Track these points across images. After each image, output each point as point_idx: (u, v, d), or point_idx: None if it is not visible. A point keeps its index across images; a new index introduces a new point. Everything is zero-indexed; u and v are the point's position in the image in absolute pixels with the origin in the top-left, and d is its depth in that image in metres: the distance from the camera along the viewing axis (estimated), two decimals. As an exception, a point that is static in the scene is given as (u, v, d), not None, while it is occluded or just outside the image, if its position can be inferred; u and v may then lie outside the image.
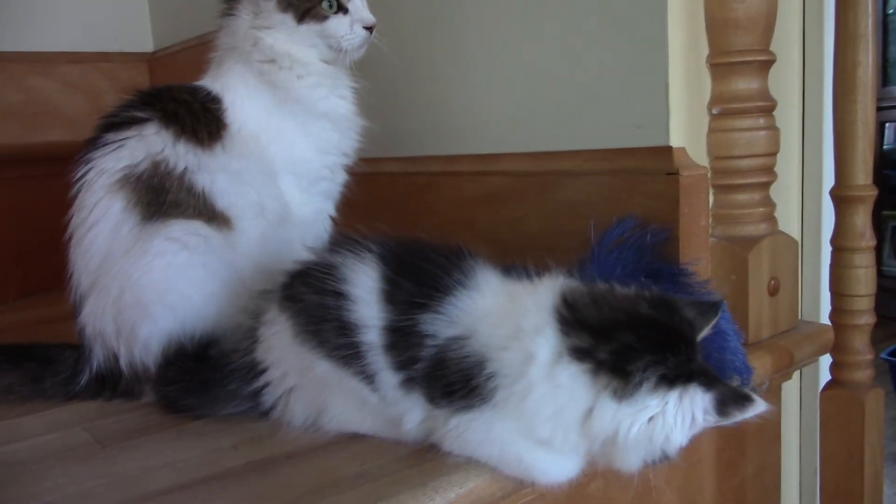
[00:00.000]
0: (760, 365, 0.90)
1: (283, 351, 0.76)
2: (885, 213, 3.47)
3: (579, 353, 0.62)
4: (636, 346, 0.61)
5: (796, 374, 1.11)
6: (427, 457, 0.69)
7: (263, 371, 0.78)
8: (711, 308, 0.68)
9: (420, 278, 0.71)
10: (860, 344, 0.87)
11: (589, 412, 0.61)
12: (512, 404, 0.64)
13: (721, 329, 0.83)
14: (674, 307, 0.66)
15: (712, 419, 0.60)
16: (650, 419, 0.60)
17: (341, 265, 0.74)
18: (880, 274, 3.59)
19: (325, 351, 0.72)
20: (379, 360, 0.71)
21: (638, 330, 0.63)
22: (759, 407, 0.61)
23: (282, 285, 0.78)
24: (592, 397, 0.61)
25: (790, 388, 1.12)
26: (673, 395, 0.60)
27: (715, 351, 0.80)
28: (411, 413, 0.70)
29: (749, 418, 0.62)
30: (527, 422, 0.64)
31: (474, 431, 0.66)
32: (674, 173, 0.91)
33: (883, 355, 2.51)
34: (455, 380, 0.66)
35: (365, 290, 0.72)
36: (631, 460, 0.62)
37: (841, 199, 0.87)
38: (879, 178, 3.55)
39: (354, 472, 0.67)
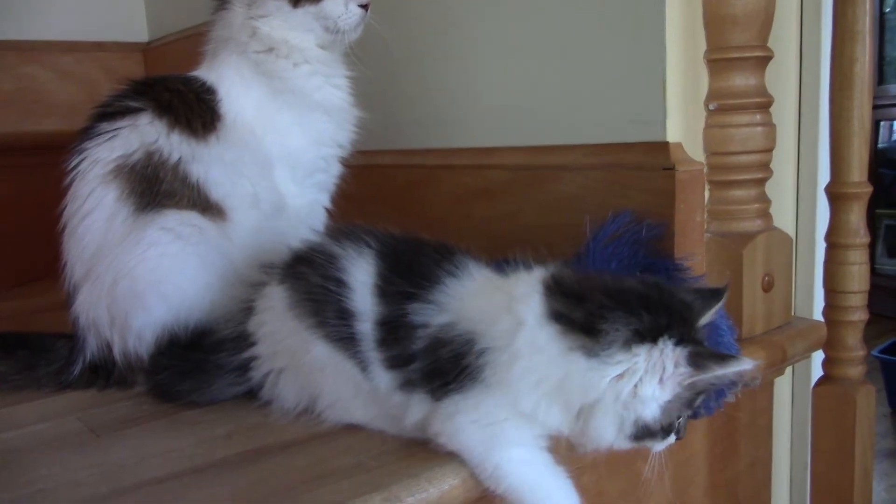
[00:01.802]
0: (754, 360, 0.90)
1: (275, 324, 0.77)
2: (879, 211, 3.48)
3: (557, 316, 0.62)
4: (610, 305, 0.61)
5: (788, 370, 1.12)
6: (422, 448, 0.69)
7: (253, 344, 0.79)
8: (714, 294, 0.68)
9: (411, 272, 0.71)
10: (853, 340, 0.87)
11: (565, 377, 0.61)
12: (499, 377, 0.63)
13: (714, 324, 0.83)
14: (669, 289, 0.65)
15: (685, 371, 0.59)
16: (619, 376, 0.59)
17: (342, 256, 0.75)
18: (873, 272, 3.58)
19: (323, 332, 0.73)
20: (371, 353, 0.71)
21: (616, 293, 0.63)
22: (744, 364, 0.59)
23: (285, 262, 0.79)
24: (566, 359, 0.61)
25: (782, 384, 1.13)
26: (643, 349, 0.59)
27: (707, 343, 0.80)
28: (415, 409, 0.69)
29: (730, 374, 0.61)
30: (512, 395, 0.63)
31: (464, 416, 0.65)
32: (670, 168, 0.91)
33: (875, 352, 2.52)
34: (447, 364, 0.66)
35: (361, 283, 0.73)
36: (605, 427, 0.61)
37: (836, 195, 0.87)
38: (874, 176, 3.56)
39: (349, 463, 0.67)
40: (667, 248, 0.91)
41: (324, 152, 1.03)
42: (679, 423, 0.64)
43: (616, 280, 0.67)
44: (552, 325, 0.62)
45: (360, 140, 1.06)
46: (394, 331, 0.70)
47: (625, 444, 0.63)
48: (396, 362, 0.70)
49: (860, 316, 0.87)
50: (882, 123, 3.60)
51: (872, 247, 3.63)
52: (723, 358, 0.60)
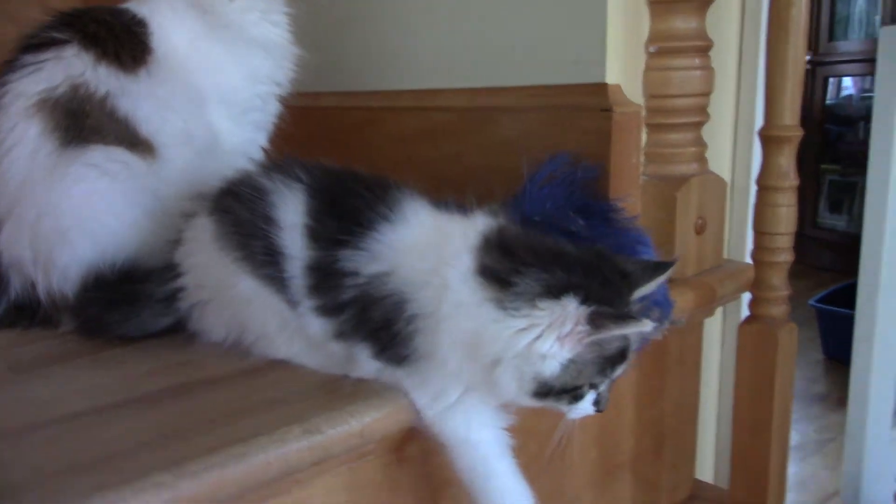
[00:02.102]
0: (683, 300, 0.92)
1: (201, 256, 0.76)
2: (824, 166, 3.56)
3: (483, 269, 0.62)
4: (531, 261, 0.62)
5: (719, 311, 1.15)
6: (347, 384, 0.69)
7: (180, 274, 0.78)
8: (658, 267, 0.67)
9: (343, 215, 0.69)
10: (778, 280, 0.89)
11: (476, 329, 0.61)
12: (430, 345, 0.63)
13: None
14: (608, 257, 0.65)
15: (583, 330, 0.59)
16: (522, 329, 0.60)
17: (272, 191, 0.73)
18: (815, 226, 3.71)
19: (249, 267, 0.71)
20: (302, 298, 0.70)
21: (545, 252, 0.63)
22: (642, 325, 0.59)
23: (214, 194, 0.77)
24: (480, 310, 0.61)
25: (713, 324, 1.16)
26: (548, 305, 0.60)
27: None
28: (364, 366, 0.69)
29: (628, 333, 0.61)
30: (441, 358, 0.63)
31: (418, 394, 0.65)
32: (608, 110, 0.92)
33: (812, 302, 2.61)
34: (378, 326, 0.65)
35: (290, 223, 0.71)
36: (507, 381, 0.61)
37: (768, 138, 0.89)
38: (821, 132, 3.63)
39: (271, 397, 0.67)
40: (602, 190, 0.92)
41: (260, 90, 1.00)
42: (600, 394, 0.65)
43: (554, 242, 0.66)
44: (477, 279, 0.62)
45: (304, 81, 1.03)
46: (324, 277, 0.68)
47: (527, 401, 0.63)
48: (328, 312, 0.69)
49: (786, 257, 0.90)
50: (831, 80, 3.65)
51: (815, 201, 3.75)
52: (622, 318, 0.60)
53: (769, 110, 0.89)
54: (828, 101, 3.67)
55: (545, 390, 0.61)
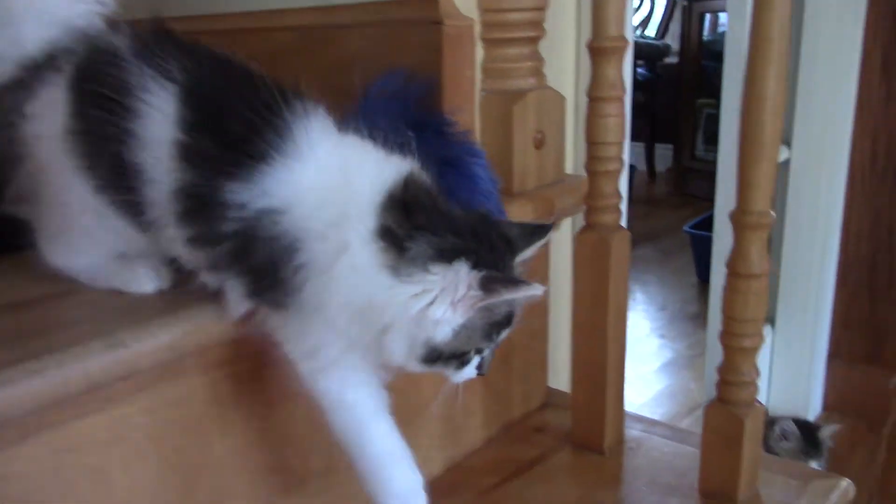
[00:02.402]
0: (521, 213, 0.94)
1: (45, 132, 0.67)
2: (701, 101, 3.70)
3: (384, 232, 0.60)
4: (423, 224, 0.60)
5: (569, 225, 1.19)
6: (164, 298, 0.68)
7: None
8: (537, 230, 0.67)
9: (229, 137, 0.61)
10: (609, 188, 0.92)
11: (372, 296, 0.60)
12: (318, 300, 0.61)
13: (474, 174, 0.86)
14: (492, 221, 0.65)
15: (475, 295, 0.59)
16: (416, 295, 0.59)
17: (138, 91, 0.61)
18: (693, 158, 3.88)
19: (95, 183, 0.64)
20: (167, 228, 0.64)
21: (437, 215, 0.62)
22: (533, 289, 0.60)
23: (79, 59, 0.68)
24: (377, 277, 0.59)
25: (564, 238, 1.19)
26: (440, 270, 0.59)
27: (465, 193, 0.83)
28: (236, 305, 0.65)
29: (520, 297, 0.61)
30: (329, 315, 0.61)
31: (295, 346, 0.64)
32: (438, 23, 0.91)
33: (686, 228, 2.75)
34: (261, 268, 0.61)
35: (158, 134, 0.61)
36: (397, 345, 0.61)
37: (596, 50, 0.90)
38: (698, 68, 3.77)
39: (78, 316, 0.65)
40: (437, 104, 0.92)
41: (80, 8, 0.94)
42: (483, 358, 0.65)
43: (444, 202, 0.65)
44: (377, 242, 0.60)
45: (146, 7, 0.97)
46: (199, 205, 0.61)
47: (416, 367, 0.62)
48: (201, 243, 0.63)
49: (615, 166, 0.92)
50: (707, 16, 3.77)
51: (693, 135, 3.89)
52: (514, 282, 0.60)
53: (595, 22, 0.90)
54: (705, 38, 3.80)
55: (435, 356, 0.62)
